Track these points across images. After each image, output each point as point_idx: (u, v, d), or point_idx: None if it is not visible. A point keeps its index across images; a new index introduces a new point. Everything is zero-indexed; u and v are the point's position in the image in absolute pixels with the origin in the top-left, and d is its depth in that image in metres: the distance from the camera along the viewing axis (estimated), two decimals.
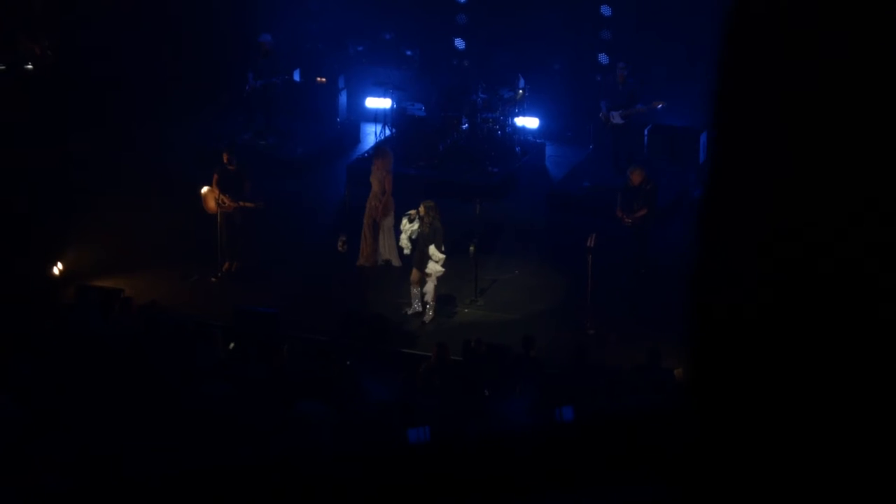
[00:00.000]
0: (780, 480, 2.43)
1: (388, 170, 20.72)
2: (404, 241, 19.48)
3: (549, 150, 25.61)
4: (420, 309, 19.41)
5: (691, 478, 2.55)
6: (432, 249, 19.08)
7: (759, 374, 2.45)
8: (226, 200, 20.36)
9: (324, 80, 25.85)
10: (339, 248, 20.80)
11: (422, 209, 19.15)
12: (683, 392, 2.60)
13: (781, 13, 2.46)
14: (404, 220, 19.43)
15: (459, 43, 26.90)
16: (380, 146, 22.74)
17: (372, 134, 25.56)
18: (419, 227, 19.14)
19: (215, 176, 20.51)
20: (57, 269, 20.05)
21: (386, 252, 20.70)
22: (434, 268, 19.16)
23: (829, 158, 2.40)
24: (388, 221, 20.62)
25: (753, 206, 2.47)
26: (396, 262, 20.69)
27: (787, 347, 2.41)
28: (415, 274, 19.39)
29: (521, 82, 24.92)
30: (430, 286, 19.26)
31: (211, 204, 20.44)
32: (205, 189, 20.48)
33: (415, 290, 19.44)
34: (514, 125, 24.93)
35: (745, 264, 2.47)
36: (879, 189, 2.35)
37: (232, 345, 17.07)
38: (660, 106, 23.33)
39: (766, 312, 2.42)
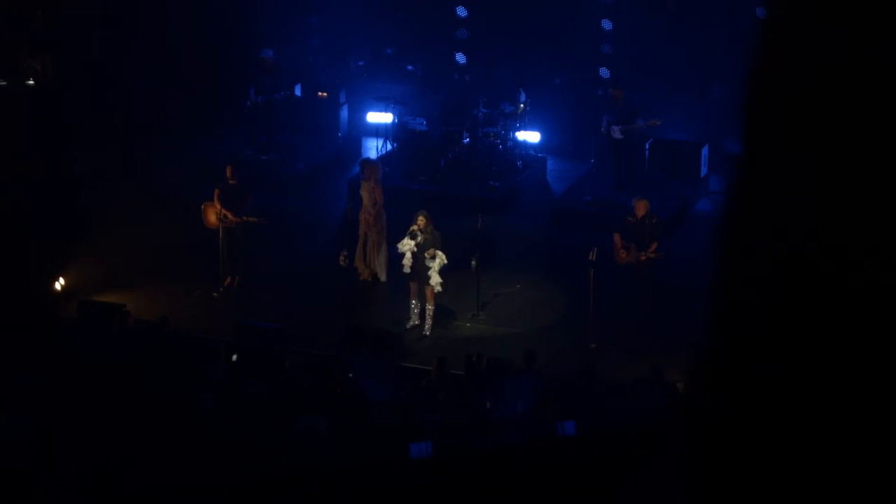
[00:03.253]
0: (785, 487, 2.44)
1: (377, 181, 20.71)
2: (409, 259, 19.19)
3: (550, 165, 25.61)
4: (418, 322, 19.38)
5: (697, 485, 2.55)
6: (436, 253, 19.02)
7: (777, 382, 2.45)
8: (228, 215, 20.37)
9: (325, 94, 25.87)
10: (341, 263, 20.83)
11: (421, 220, 19.08)
12: (689, 401, 2.60)
13: (811, 33, 2.47)
14: (406, 241, 19.14)
15: (460, 58, 26.93)
16: (366, 159, 22.71)
17: (373, 148, 25.57)
18: (420, 240, 19.06)
19: (217, 191, 20.52)
20: (59, 284, 20.05)
21: (374, 265, 20.67)
22: (435, 276, 19.09)
23: (852, 170, 2.41)
24: (380, 236, 20.58)
25: (777, 222, 2.47)
26: (383, 277, 20.68)
27: (807, 355, 2.42)
28: (414, 287, 19.35)
29: (523, 97, 24.93)
30: (430, 297, 19.22)
31: (212, 219, 20.45)
32: (206, 204, 20.50)
33: (414, 303, 19.41)
34: (515, 139, 24.93)
35: (766, 276, 2.47)
36: None
37: (234, 356, 17.07)
38: (657, 124, 23.34)
39: (788, 320, 2.42)
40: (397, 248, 19.28)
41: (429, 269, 19.13)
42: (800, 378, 2.43)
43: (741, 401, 2.49)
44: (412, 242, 19.09)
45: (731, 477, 2.50)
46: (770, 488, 2.46)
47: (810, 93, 2.45)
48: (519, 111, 24.84)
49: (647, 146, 24.23)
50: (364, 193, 20.69)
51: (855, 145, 2.43)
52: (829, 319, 2.40)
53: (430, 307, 19.28)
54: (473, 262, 19.97)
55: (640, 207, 19.50)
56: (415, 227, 19.11)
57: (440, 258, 19.05)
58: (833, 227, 2.42)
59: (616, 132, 23.52)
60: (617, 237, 19.43)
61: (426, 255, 19.05)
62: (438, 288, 19.16)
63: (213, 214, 20.45)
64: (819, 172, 2.43)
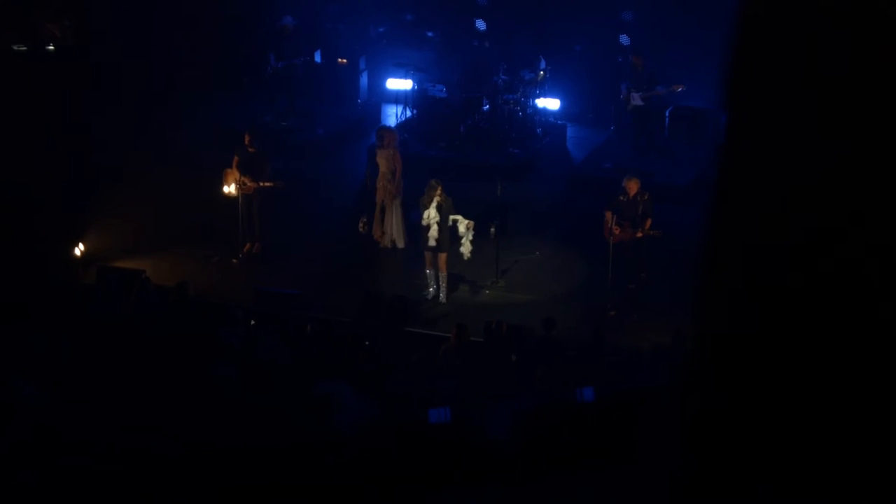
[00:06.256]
0: (786, 450, 2.43)
1: (396, 147, 20.75)
2: (435, 231, 19.16)
3: (570, 132, 25.57)
4: (436, 291, 19.39)
5: (703, 451, 2.55)
6: (460, 221, 19.08)
7: (766, 349, 2.44)
8: (247, 182, 20.39)
9: (345, 61, 25.83)
10: (360, 229, 20.84)
11: (439, 191, 19.04)
12: (689, 363, 2.60)
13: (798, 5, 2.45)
14: (432, 212, 19.09)
15: (480, 24, 26.84)
16: (383, 126, 22.64)
17: (393, 115, 25.55)
18: (438, 207, 19.05)
19: (236, 158, 20.53)
20: (78, 250, 20.10)
21: (392, 232, 20.68)
22: (468, 244, 19.17)
23: (845, 144, 2.39)
24: (397, 201, 20.61)
25: (767, 189, 2.46)
26: (401, 244, 20.70)
27: (796, 327, 2.41)
28: (429, 256, 19.33)
29: (542, 63, 24.87)
30: (442, 266, 19.21)
31: (231, 186, 20.47)
32: (226, 171, 20.51)
33: (429, 272, 19.40)
34: (535, 106, 24.89)
35: (757, 242, 2.46)
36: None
37: (252, 322, 17.08)
38: (679, 89, 23.25)
39: (777, 292, 2.41)
40: (422, 222, 19.20)
41: (461, 238, 19.18)
42: (789, 346, 2.41)
43: (727, 365, 2.48)
44: (438, 214, 19.06)
45: (722, 436, 2.49)
46: (761, 449, 2.45)
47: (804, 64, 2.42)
48: (539, 78, 24.79)
49: (666, 113, 24.16)
50: (381, 160, 20.68)
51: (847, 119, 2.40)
52: (820, 286, 2.39)
53: (443, 275, 19.29)
54: (492, 230, 19.97)
55: (632, 186, 19.42)
56: (440, 199, 19.04)
57: (471, 227, 19.19)
58: (819, 202, 2.40)
59: (636, 99, 23.46)
60: (608, 214, 19.36)
61: (462, 225, 19.12)
62: (468, 255, 19.25)
63: (232, 181, 20.47)
64: (809, 139, 2.41)
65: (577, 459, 11.40)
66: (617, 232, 19.22)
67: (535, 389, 15.17)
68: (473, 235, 19.44)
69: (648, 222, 19.25)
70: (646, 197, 19.37)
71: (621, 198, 19.40)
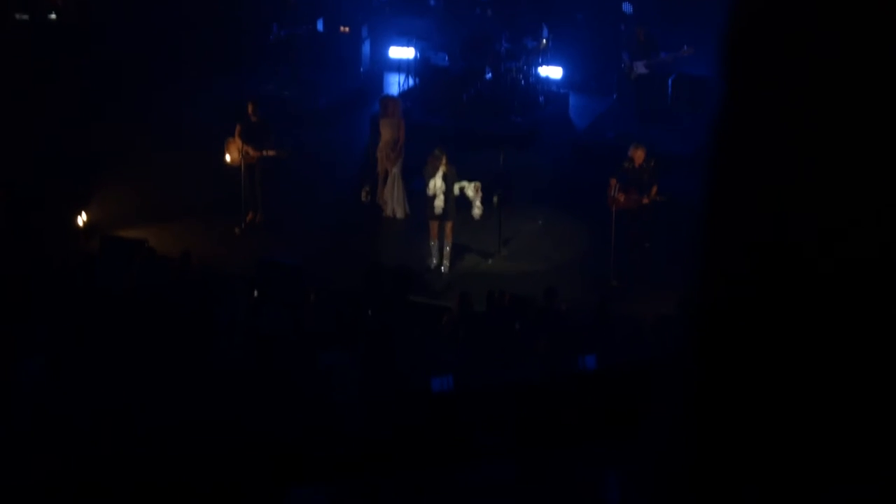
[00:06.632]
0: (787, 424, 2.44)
1: (401, 116, 20.77)
2: (441, 201, 19.13)
3: (572, 100, 25.52)
4: (438, 261, 19.38)
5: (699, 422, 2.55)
6: (467, 186, 19.10)
7: (762, 329, 2.45)
8: (250, 151, 20.37)
9: (347, 29, 25.78)
10: (363, 198, 20.85)
11: (444, 162, 19.01)
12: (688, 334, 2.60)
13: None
14: (438, 182, 19.06)
15: None
16: (387, 95, 22.59)
17: (395, 84, 25.50)
18: (444, 177, 19.04)
19: (239, 127, 20.50)
20: (81, 220, 20.11)
21: (393, 201, 20.69)
22: (479, 207, 19.23)
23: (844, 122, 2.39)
24: (397, 169, 20.61)
25: (762, 164, 2.46)
26: (401, 214, 20.71)
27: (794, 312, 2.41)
28: (434, 226, 19.31)
29: (545, 32, 24.82)
30: (449, 236, 19.21)
31: (234, 154, 20.45)
32: (228, 140, 20.49)
33: (433, 243, 19.37)
34: (537, 75, 24.85)
35: (753, 218, 2.46)
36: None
37: (256, 293, 17.10)
38: (688, 53, 23.11)
39: (776, 256, 2.41)
40: (427, 192, 19.17)
41: (472, 200, 19.20)
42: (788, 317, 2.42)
43: (729, 337, 2.49)
44: (444, 184, 19.04)
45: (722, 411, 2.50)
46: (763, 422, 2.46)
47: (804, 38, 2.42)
48: (541, 46, 24.74)
49: (669, 82, 24.10)
50: (385, 129, 20.66)
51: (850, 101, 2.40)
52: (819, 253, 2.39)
53: (448, 244, 19.29)
54: (495, 199, 19.95)
55: (638, 155, 19.32)
56: (444, 169, 19.01)
57: (478, 189, 19.20)
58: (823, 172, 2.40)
59: (640, 67, 23.41)
60: (613, 181, 19.31)
61: (471, 188, 19.11)
62: (479, 215, 19.24)
63: (235, 150, 20.45)
64: (808, 114, 2.41)
65: (580, 433, 11.43)
66: (622, 199, 19.18)
67: (538, 359, 15.20)
68: (482, 196, 19.42)
69: (654, 189, 19.18)
70: (652, 163, 19.29)
71: (626, 165, 19.34)
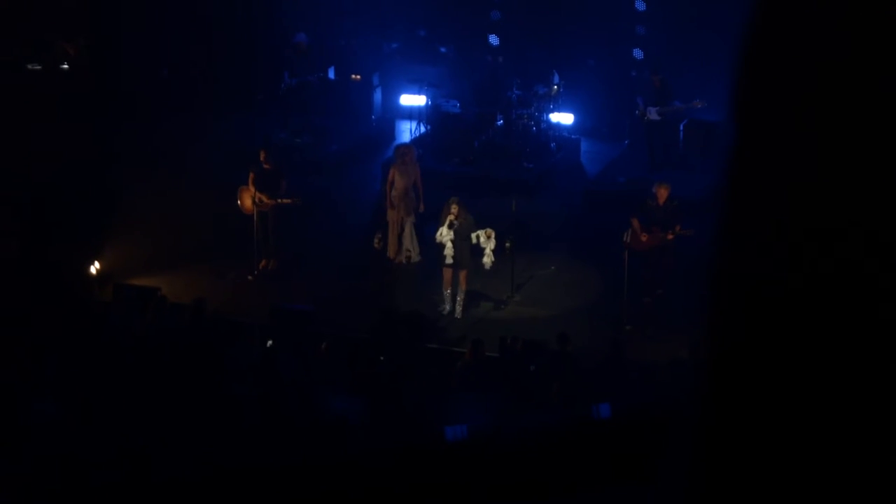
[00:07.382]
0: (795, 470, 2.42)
1: (416, 163, 20.86)
2: (450, 249, 19.13)
3: (584, 146, 25.56)
4: (451, 308, 19.34)
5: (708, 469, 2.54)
6: (480, 233, 19.09)
7: (776, 361, 2.43)
8: (263, 199, 20.40)
9: (358, 77, 25.87)
10: (375, 245, 20.86)
11: (455, 209, 19.02)
12: (697, 375, 2.59)
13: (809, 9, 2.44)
14: (445, 231, 19.07)
15: (494, 39, 26.88)
16: (402, 143, 22.64)
17: (407, 131, 25.57)
18: (457, 228, 19.03)
19: (252, 174, 20.54)
20: (94, 268, 20.13)
21: (408, 245, 20.71)
22: (489, 255, 19.19)
23: (854, 152, 2.38)
24: (411, 217, 20.64)
25: (773, 198, 2.46)
26: (416, 258, 20.72)
27: (807, 336, 2.40)
28: (448, 274, 19.28)
29: (556, 78, 24.88)
30: (463, 282, 19.21)
31: (247, 202, 20.49)
32: (242, 188, 20.53)
33: (447, 291, 19.35)
34: (548, 121, 24.90)
35: (765, 252, 2.45)
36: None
37: (270, 342, 17.09)
38: (699, 105, 23.17)
39: (787, 299, 2.40)
40: (436, 239, 19.21)
41: (484, 248, 19.17)
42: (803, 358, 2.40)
43: (741, 377, 2.47)
44: (451, 232, 19.04)
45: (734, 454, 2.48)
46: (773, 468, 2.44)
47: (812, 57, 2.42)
48: (552, 92, 24.79)
49: (681, 127, 24.13)
50: (399, 177, 20.69)
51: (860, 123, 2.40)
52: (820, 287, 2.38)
53: (462, 290, 19.27)
54: (507, 244, 19.95)
55: (662, 193, 19.34)
56: (451, 217, 19.03)
57: (491, 236, 19.18)
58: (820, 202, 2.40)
59: (653, 113, 23.46)
60: (635, 221, 19.30)
61: (483, 235, 19.10)
62: (490, 264, 19.23)
63: (248, 198, 20.50)
64: (817, 147, 2.41)
65: (595, 477, 11.37)
66: (645, 239, 19.15)
67: (552, 405, 15.15)
68: (494, 245, 19.40)
69: (678, 227, 19.11)
70: (675, 203, 19.29)
71: (650, 202, 19.34)
